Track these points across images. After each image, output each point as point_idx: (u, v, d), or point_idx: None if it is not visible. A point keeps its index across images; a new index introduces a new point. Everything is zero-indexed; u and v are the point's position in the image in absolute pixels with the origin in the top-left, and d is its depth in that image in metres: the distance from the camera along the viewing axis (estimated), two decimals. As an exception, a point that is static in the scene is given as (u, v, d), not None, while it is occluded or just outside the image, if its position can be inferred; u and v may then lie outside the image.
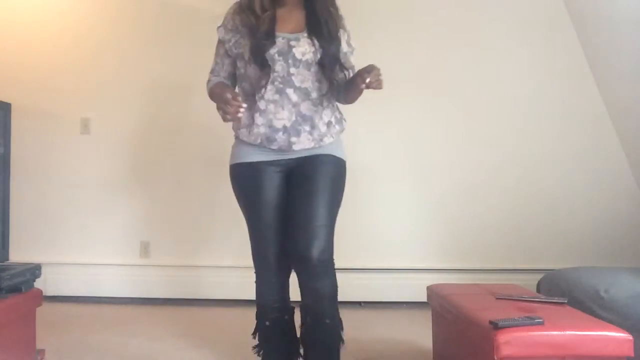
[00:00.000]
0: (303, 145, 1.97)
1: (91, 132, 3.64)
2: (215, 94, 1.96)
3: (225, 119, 1.84)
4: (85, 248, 3.62)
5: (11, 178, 2.69)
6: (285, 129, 1.95)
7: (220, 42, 2.07)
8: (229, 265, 3.59)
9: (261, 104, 1.96)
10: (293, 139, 1.95)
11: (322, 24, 1.97)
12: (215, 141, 3.65)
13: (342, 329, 2.10)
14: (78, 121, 3.64)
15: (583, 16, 3.59)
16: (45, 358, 2.42)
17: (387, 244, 3.58)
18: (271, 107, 1.95)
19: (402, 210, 3.65)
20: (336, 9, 2.04)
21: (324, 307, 2.01)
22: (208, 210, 3.65)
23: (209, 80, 2.11)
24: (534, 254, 3.64)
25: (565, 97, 3.69)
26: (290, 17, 2.00)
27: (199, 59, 3.64)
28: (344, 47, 2.05)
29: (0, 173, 2.55)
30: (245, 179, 2.05)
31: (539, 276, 2.85)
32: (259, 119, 1.95)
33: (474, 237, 3.65)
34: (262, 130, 1.95)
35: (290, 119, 1.95)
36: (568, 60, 3.68)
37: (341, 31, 2.03)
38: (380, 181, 3.60)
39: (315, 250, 1.92)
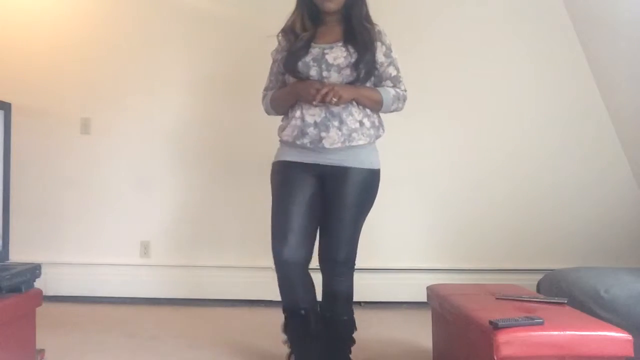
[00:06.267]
0: (332, 140, 2.15)
1: (91, 132, 3.64)
2: (289, 91, 2.24)
3: (332, 101, 2.08)
4: (85, 248, 3.62)
5: (11, 178, 2.68)
6: (315, 124, 2.16)
7: (274, 62, 2.35)
8: (229, 265, 3.60)
9: (298, 103, 2.22)
10: (323, 134, 2.15)
11: (357, 34, 2.21)
12: (215, 141, 3.66)
13: (355, 329, 2.32)
14: (78, 121, 3.64)
15: (584, 19, 3.59)
16: (45, 358, 2.42)
17: (387, 244, 3.58)
18: (305, 105, 2.18)
19: (402, 210, 3.64)
20: (371, 24, 2.27)
21: (342, 304, 2.27)
22: (208, 210, 3.65)
23: (264, 97, 2.36)
24: (534, 254, 3.64)
25: (566, 99, 3.69)
26: (329, 32, 2.26)
27: (199, 59, 3.69)
28: (380, 57, 2.24)
29: (0, 173, 2.54)
30: (281, 173, 2.26)
31: (539, 276, 2.85)
32: (296, 113, 2.20)
33: (474, 237, 3.65)
34: (298, 122, 2.18)
35: (320, 115, 2.16)
36: (569, 62, 3.68)
37: (378, 44, 2.24)
38: (380, 181, 3.59)
39: (342, 255, 2.22)
